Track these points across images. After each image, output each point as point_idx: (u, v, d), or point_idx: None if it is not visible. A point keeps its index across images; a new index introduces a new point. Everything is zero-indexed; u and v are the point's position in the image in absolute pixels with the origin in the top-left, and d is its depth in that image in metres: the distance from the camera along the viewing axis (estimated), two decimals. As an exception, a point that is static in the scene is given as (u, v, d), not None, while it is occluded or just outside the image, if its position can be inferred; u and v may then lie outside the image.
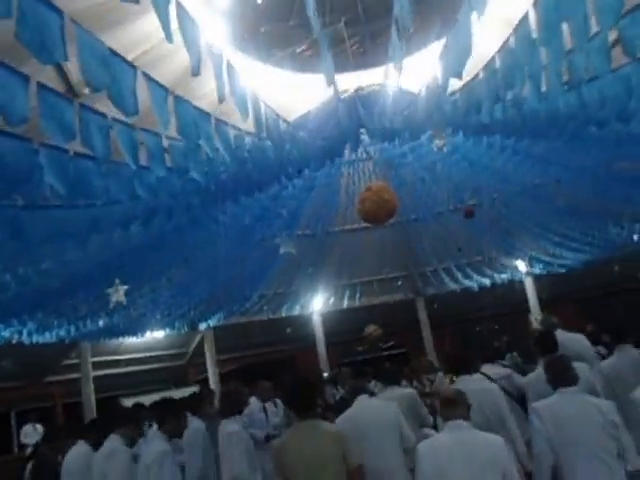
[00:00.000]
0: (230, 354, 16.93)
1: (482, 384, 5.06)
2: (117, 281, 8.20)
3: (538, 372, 4.90)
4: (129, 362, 16.49)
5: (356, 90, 8.34)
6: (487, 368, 5.97)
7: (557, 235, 12.18)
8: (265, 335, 16.91)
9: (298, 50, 9.24)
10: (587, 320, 12.95)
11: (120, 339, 14.36)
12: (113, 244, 7.15)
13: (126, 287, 8.32)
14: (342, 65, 8.03)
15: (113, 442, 4.75)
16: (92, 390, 13.34)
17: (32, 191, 3.61)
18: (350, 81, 8.30)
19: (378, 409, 4.73)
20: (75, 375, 14.70)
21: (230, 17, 6.86)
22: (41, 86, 3.07)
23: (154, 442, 4.56)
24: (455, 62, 4.18)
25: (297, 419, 3.82)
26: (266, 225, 9.97)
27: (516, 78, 4.87)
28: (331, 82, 5.71)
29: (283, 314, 15.13)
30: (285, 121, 6.92)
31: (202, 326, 14.09)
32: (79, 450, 5.43)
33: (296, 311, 15.37)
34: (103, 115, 3.55)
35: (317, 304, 15.75)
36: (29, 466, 6.40)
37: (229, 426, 5.02)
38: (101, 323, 10.53)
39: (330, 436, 3.71)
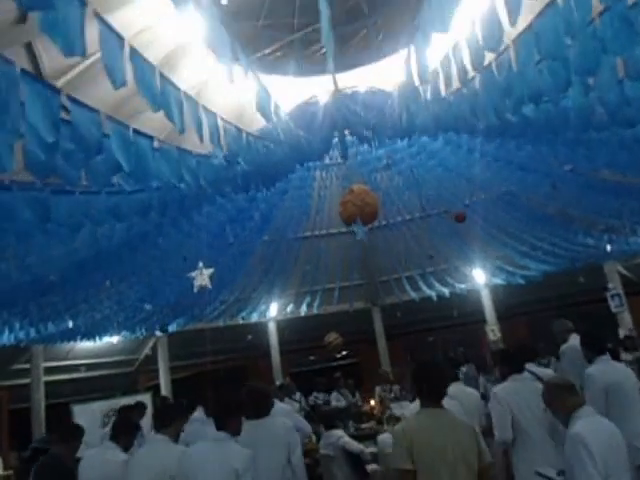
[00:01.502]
0: (182, 361, 16.67)
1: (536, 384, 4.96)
2: (201, 264, 7.93)
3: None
4: (78, 368, 16.01)
5: (335, 92, 8.46)
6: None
7: (525, 244, 12.56)
8: (218, 342, 16.71)
9: (267, 51, 9.30)
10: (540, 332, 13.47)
11: (71, 344, 14.01)
12: (94, 241, 7.03)
13: (212, 270, 8.05)
14: (315, 68, 8.23)
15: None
16: (43, 396, 12.96)
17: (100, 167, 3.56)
18: (322, 84, 8.38)
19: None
20: (23, 381, 14.25)
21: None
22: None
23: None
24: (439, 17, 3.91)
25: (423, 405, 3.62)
26: (239, 227, 9.99)
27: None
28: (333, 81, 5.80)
29: (240, 321, 15.05)
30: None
31: (158, 332, 13.86)
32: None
33: (254, 318, 15.31)
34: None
35: (273, 311, 15.75)
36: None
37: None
38: (65, 325, 10.24)
39: (468, 429, 3.62)
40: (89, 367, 16.31)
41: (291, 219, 11.48)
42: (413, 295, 14.90)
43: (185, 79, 5.22)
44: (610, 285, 14.43)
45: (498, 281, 14.73)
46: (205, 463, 3.81)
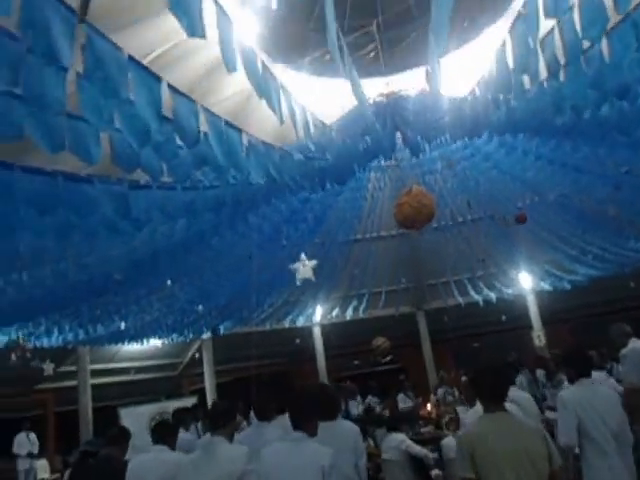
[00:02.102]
0: (226, 365, 16.55)
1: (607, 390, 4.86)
2: (303, 255, 7.81)
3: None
4: (125, 371, 16.01)
5: (389, 94, 8.29)
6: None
7: (575, 249, 12.22)
8: (263, 346, 16.61)
9: (319, 54, 9.16)
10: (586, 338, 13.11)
11: (116, 347, 14.01)
12: (153, 240, 6.93)
13: (315, 262, 7.91)
14: (369, 70, 8.05)
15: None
16: (90, 398, 12.94)
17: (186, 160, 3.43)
18: (376, 86, 8.25)
19: None
20: (69, 383, 14.28)
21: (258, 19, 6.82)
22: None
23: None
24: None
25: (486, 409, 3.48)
26: (292, 228, 9.82)
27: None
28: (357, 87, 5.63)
29: (286, 324, 14.91)
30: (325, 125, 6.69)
31: (205, 335, 13.77)
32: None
33: (300, 322, 15.15)
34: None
35: (318, 315, 15.56)
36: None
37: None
38: (115, 327, 10.19)
39: (535, 432, 3.47)
40: (135, 370, 16.33)
41: (343, 221, 11.26)
42: (460, 300, 14.59)
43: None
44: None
45: (545, 286, 14.33)
46: (287, 463, 3.75)
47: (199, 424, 8.55)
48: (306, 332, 16.08)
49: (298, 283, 8.08)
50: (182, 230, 6.72)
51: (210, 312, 11.74)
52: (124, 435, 5.48)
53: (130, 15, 3.59)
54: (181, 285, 9.99)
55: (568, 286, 13.85)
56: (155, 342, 13.78)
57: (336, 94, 8.32)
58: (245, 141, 3.77)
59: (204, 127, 3.33)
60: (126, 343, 12.73)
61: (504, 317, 15.25)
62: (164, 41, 4.35)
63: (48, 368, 12.78)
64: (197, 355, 16.42)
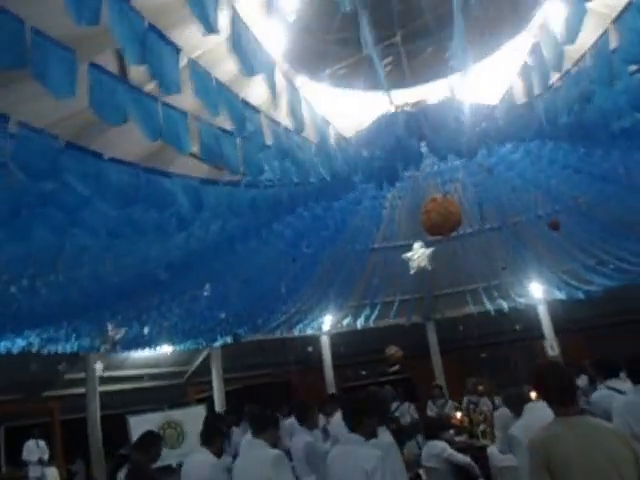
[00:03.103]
0: (233, 374, 16.41)
1: None
2: (420, 243, 7.59)
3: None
4: (131, 379, 15.83)
5: (415, 104, 8.29)
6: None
7: (593, 258, 12.23)
8: (269, 356, 16.55)
9: (342, 66, 9.19)
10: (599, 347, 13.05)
11: (125, 354, 13.84)
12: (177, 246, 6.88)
13: (432, 249, 7.68)
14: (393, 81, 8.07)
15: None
16: (98, 406, 12.78)
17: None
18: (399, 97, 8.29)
19: None
20: (75, 391, 14.12)
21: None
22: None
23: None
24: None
25: (557, 413, 3.23)
26: (314, 236, 9.78)
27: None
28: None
29: (296, 333, 14.81)
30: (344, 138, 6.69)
31: (218, 342, 13.63)
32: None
33: (310, 330, 15.06)
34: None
35: (327, 324, 15.47)
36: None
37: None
38: (136, 332, 10.08)
39: (618, 435, 3.19)
40: (143, 378, 16.14)
41: (362, 230, 11.24)
42: (472, 309, 14.56)
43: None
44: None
45: (561, 296, 14.30)
46: (338, 466, 3.87)
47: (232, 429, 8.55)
48: (314, 341, 15.98)
49: (412, 272, 7.81)
50: (215, 234, 6.71)
51: (228, 319, 11.63)
52: (156, 440, 5.41)
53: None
54: (204, 290, 9.92)
55: (582, 296, 13.82)
56: (166, 349, 13.66)
57: (353, 107, 8.39)
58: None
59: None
60: (139, 350, 12.56)
61: (517, 327, 15.22)
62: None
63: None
64: (201, 364, 16.34)
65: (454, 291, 14.78)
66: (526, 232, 11.96)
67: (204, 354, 15.90)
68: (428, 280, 14.34)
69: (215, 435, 5.17)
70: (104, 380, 13.93)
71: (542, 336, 15.20)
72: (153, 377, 16.51)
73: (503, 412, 6.30)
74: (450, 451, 6.39)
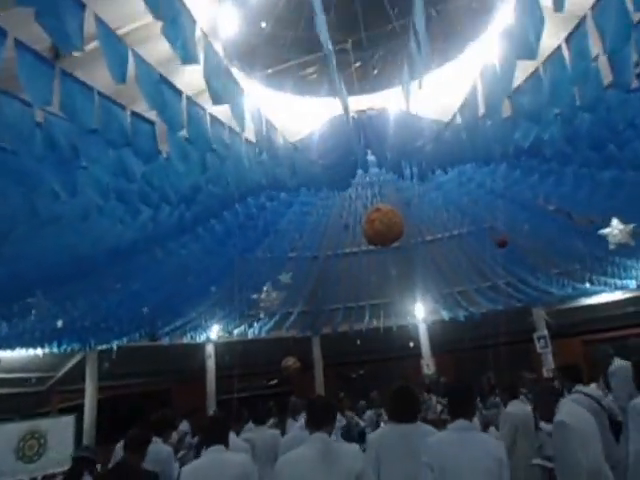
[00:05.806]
0: (105, 382, 15.21)
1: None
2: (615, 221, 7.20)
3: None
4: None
5: (362, 111, 8.38)
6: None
7: (487, 281, 12.90)
8: (146, 364, 15.53)
9: (301, 73, 9.22)
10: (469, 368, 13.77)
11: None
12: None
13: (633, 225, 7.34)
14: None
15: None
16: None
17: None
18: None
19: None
20: None
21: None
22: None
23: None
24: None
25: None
26: (243, 235, 9.46)
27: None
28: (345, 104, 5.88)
29: (184, 340, 14.16)
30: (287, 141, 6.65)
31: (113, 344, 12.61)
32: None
33: (198, 339, 14.47)
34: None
35: (214, 332, 14.94)
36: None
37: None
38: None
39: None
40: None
41: (285, 235, 11.07)
42: (363, 325, 14.82)
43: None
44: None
45: (445, 316, 15.01)
46: (463, 452, 3.67)
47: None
48: (199, 350, 15.34)
49: (612, 247, 7.43)
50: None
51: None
52: (145, 440, 4.90)
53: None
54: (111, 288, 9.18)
55: (462, 318, 14.58)
56: (31, 352, 12.38)
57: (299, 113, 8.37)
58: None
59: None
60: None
61: (402, 345, 15.66)
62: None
63: None
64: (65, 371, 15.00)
65: (345, 306, 14.92)
66: (435, 250, 12.39)
67: (75, 360, 14.57)
68: (320, 294, 14.44)
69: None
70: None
71: (418, 355, 15.82)
72: (8, 382, 14.80)
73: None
74: None
